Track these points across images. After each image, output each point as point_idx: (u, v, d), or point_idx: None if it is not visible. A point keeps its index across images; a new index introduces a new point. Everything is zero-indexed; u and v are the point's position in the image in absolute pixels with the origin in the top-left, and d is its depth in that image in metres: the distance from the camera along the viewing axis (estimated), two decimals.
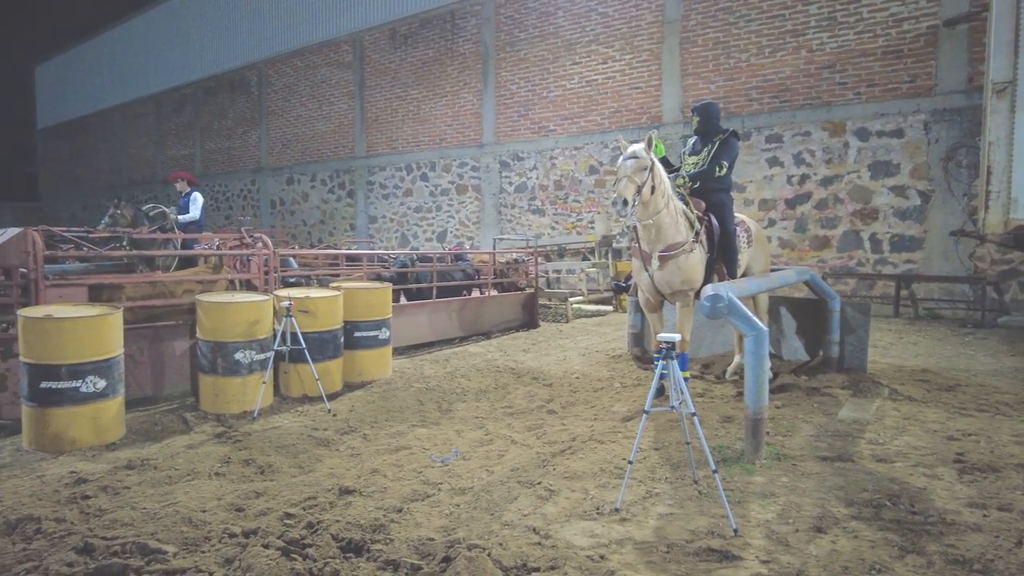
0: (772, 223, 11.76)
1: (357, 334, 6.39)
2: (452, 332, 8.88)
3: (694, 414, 3.37)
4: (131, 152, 27.34)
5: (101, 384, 4.57)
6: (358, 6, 18.03)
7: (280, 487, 3.81)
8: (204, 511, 3.47)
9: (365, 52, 18.01)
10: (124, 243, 7.11)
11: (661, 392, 5.38)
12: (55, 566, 2.79)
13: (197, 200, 9.58)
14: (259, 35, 21.02)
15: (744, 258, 6.25)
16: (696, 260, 5.55)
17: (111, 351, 4.66)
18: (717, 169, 5.83)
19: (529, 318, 10.14)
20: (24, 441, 4.55)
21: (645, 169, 5.00)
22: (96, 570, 2.80)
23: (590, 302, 12.02)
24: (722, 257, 5.95)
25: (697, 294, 5.65)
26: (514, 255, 11.83)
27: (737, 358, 6.51)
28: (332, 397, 5.78)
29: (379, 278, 8.18)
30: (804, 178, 11.52)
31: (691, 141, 6.16)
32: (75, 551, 2.94)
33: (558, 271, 13.75)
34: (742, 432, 4.41)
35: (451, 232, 16.41)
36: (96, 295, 5.64)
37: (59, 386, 4.45)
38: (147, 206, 9.99)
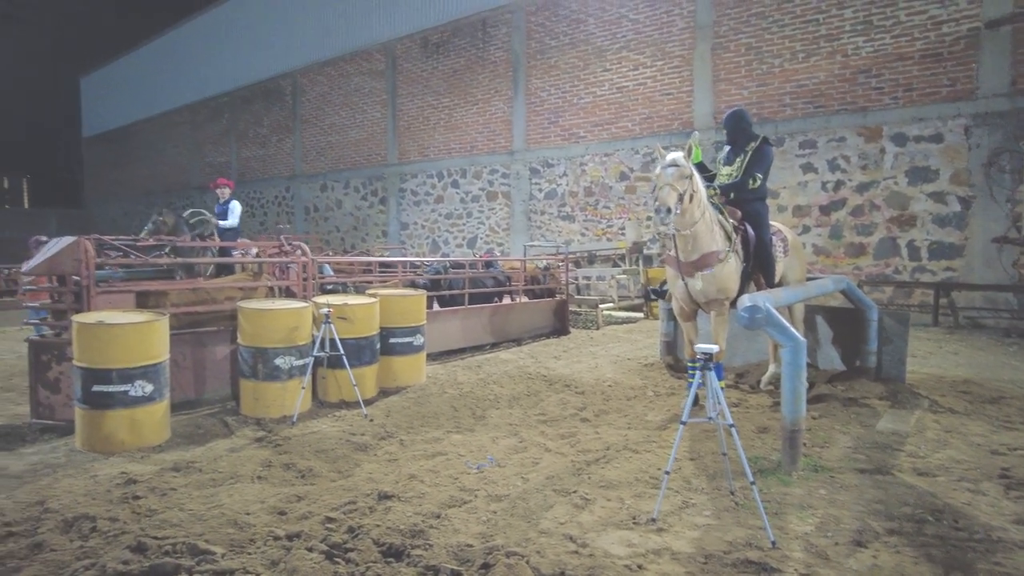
0: (806, 230, 11.60)
1: (392, 340, 6.49)
2: (484, 338, 8.95)
3: (732, 425, 3.37)
4: (169, 160, 28.08)
5: (149, 388, 4.73)
6: (390, 15, 18.30)
7: (320, 491, 3.89)
8: (248, 514, 3.57)
9: (397, 61, 18.26)
10: (167, 251, 7.33)
11: (696, 402, 5.37)
12: (112, 564, 2.90)
13: (235, 208, 9.83)
14: (293, 45, 21.45)
15: (780, 267, 6.19)
16: (732, 269, 5.52)
17: (158, 356, 4.82)
18: (751, 182, 5.79)
19: (560, 325, 10.16)
20: (77, 442, 4.73)
21: (686, 177, 5.00)
22: (150, 568, 2.91)
23: (621, 309, 11.99)
24: (758, 267, 5.91)
25: (732, 303, 5.62)
26: (544, 262, 11.86)
27: (772, 368, 6.45)
28: (368, 402, 5.88)
29: (413, 285, 8.28)
30: (839, 184, 11.35)
31: (724, 150, 6.14)
32: (129, 549, 3.06)
33: (588, 278, 13.74)
34: (778, 443, 4.38)
35: (481, 238, 16.51)
36: (142, 301, 5.83)
37: (110, 389, 4.61)
38: (187, 212, 10.26)
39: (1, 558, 3.03)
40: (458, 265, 9.67)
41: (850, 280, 6.79)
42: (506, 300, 10.19)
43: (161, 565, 2.93)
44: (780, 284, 6.17)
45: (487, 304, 9.27)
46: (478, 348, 8.87)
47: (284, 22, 21.81)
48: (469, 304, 8.85)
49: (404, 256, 16.43)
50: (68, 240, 5.32)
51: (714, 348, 3.43)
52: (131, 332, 4.66)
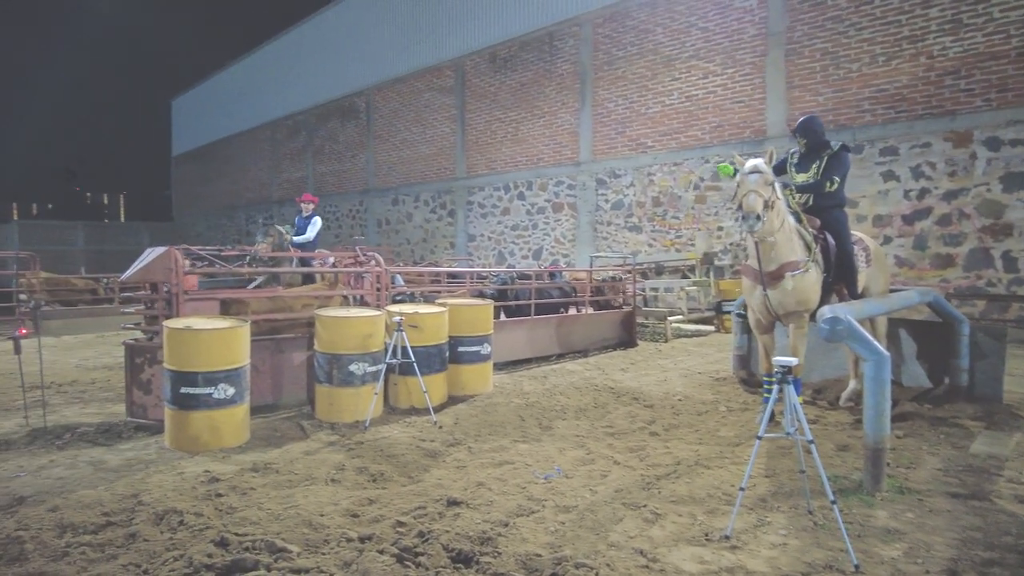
0: (888, 240, 11.06)
1: (460, 349, 6.58)
2: (549, 349, 8.94)
3: (811, 442, 3.24)
4: (250, 175, 29.51)
5: (231, 391, 4.96)
6: (460, 33, 18.70)
7: (391, 495, 3.97)
8: (322, 515, 3.68)
9: (466, 76, 18.61)
10: (249, 261, 7.70)
11: (772, 418, 5.19)
12: (197, 556, 3.05)
13: (316, 223, 10.25)
14: (367, 63, 22.22)
15: (862, 278, 5.94)
16: (812, 280, 5.33)
17: (240, 361, 5.05)
18: (828, 184, 5.61)
19: (627, 337, 10.03)
20: (166, 440, 5.00)
21: (769, 184, 4.90)
22: (232, 563, 3.04)
23: (690, 321, 11.73)
24: (840, 277, 5.69)
25: (812, 316, 5.42)
26: (611, 273, 11.76)
27: (852, 383, 6.17)
28: (437, 410, 5.97)
29: (481, 295, 8.38)
30: (923, 192, 10.77)
31: (795, 157, 5.96)
32: (213, 544, 3.20)
33: (656, 289, 13.52)
34: (860, 462, 4.17)
35: (547, 250, 16.54)
36: (225, 308, 6.14)
37: (196, 391, 4.86)
38: (268, 227, 10.78)
39: (101, 545, 3.24)
40: (524, 276, 9.72)
41: (937, 293, 6.43)
42: (572, 311, 10.16)
43: (242, 560, 3.06)
44: (862, 296, 5.91)
45: (553, 315, 9.27)
46: (544, 359, 8.86)
47: (359, 42, 22.64)
48: (535, 315, 8.86)
49: (471, 267, 16.64)
50: (160, 250, 5.67)
51: (793, 361, 3.31)
52: (215, 337, 4.91)
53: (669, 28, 13.91)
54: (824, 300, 5.55)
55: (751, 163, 4.98)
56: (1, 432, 5.40)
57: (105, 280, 15.50)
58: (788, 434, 3.39)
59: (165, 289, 5.58)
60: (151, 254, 5.69)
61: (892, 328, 6.50)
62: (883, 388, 3.83)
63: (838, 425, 5.43)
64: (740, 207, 4.87)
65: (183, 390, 4.86)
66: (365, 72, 22.27)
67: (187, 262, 5.69)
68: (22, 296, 12.34)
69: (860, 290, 5.89)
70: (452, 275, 11.35)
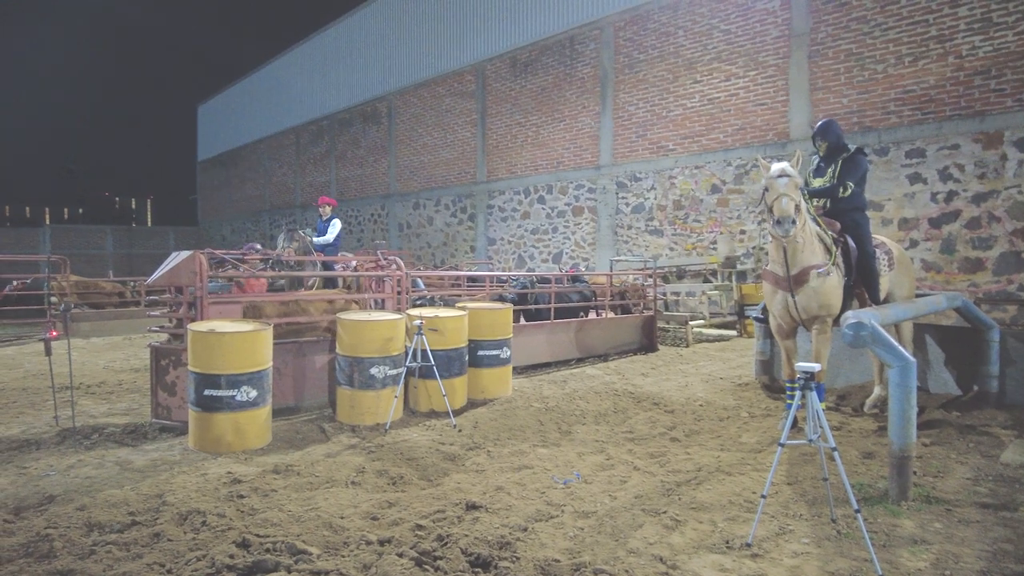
0: (914, 244, 10.85)
1: (480, 352, 6.59)
2: (569, 353, 8.92)
3: (835, 449, 3.19)
4: (274, 180, 29.89)
5: (253, 394, 5.02)
6: (481, 37, 18.77)
7: (411, 499, 3.99)
8: (343, 517, 3.71)
9: (487, 81, 18.67)
10: (272, 264, 7.80)
11: (795, 424, 5.13)
12: (220, 556, 3.09)
13: (336, 226, 10.35)
14: (389, 69, 22.41)
15: (885, 282, 5.84)
16: (833, 284, 5.26)
17: (263, 364, 5.11)
18: (842, 190, 5.57)
19: (647, 341, 9.97)
20: (190, 441, 5.08)
21: (799, 187, 4.88)
22: (253, 564, 3.08)
23: (712, 326, 11.62)
24: (861, 281, 5.62)
25: (835, 320, 5.35)
26: (631, 277, 11.70)
27: (877, 389, 6.07)
28: (457, 413, 5.98)
29: (501, 299, 8.39)
30: (951, 195, 10.56)
31: (814, 162, 5.91)
32: (235, 545, 3.24)
33: (677, 293, 13.42)
34: (885, 470, 4.10)
35: (567, 253, 16.51)
36: (247, 312, 6.21)
37: (219, 394, 4.93)
38: (290, 230, 10.89)
39: (127, 544, 3.30)
40: (544, 280, 9.71)
41: (966, 297, 6.29)
42: (592, 315, 10.12)
43: (263, 562, 3.09)
44: (886, 300, 5.82)
45: (573, 319, 9.24)
46: (563, 363, 8.84)
47: (381, 48, 22.84)
48: (555, 319, 8.84)
49: (491, 271, 16.67)
50: (185, 255, 5.76)
51: (815, 367, 3.26)
52: (238, 340, 4.97)
53: (691, 31, 13.83)
54: (846, 305, 5.48)
55: (778, 166, 4.94)
56: (32, 431, 5.53)
57: (132, 283, 15.81)
58: (811, 441, 3.34)
59: (190, 292, 5.67)
60: (176, 258, 5.79)
61: (918, 333, 6.38)
62: (909, 394, 3.76)
63: (863, 432, 5.34)
64: (771, 211, 4.83)
65: (207, 392, 4.93)
66: (387, 78, 22.47)
67: (247, 265, 5.78)
68: (53, 299, 12.62)
69: (883, 295, 5.80)
70: (472, 279, 11.37)
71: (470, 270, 15.91)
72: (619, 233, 15.30)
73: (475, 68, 18.98)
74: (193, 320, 5.48)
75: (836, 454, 3.20)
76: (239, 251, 8.84)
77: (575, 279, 10.77)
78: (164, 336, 6.03)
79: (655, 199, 14.55)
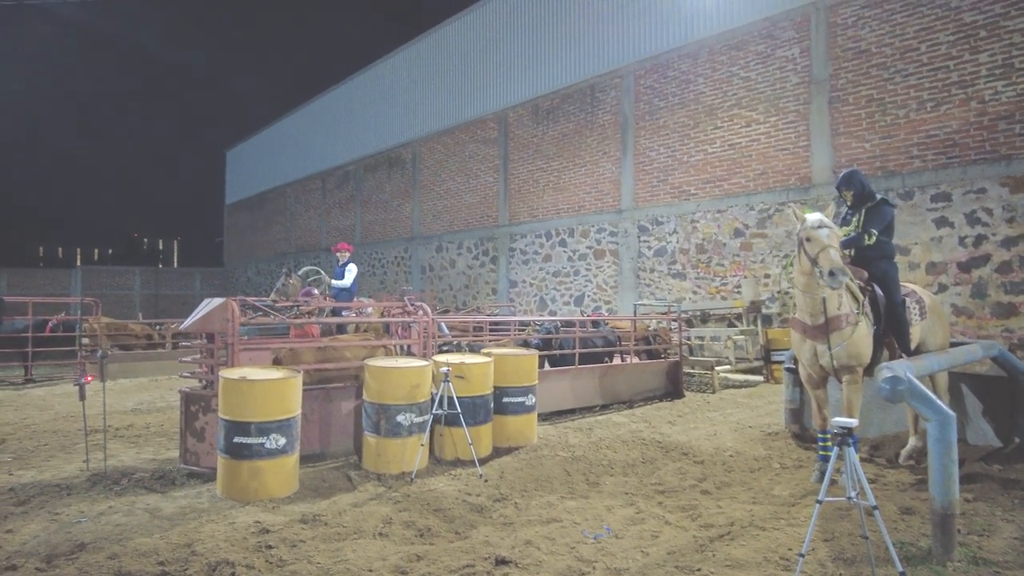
0: (943, 288, 10.70)
1: (505, 399, 6.57)
2: (593, 399, 8.84)
3: (875, 507, 3.11)
4: (300, 223, 30.47)
5: (282, 441, 5.04)
6: (503, 86, 19.22)
7: (439, 551, 3.94)
8: (371, 570, 3.68)
9: (509, 128, 19.05)
10: (277, 290, 7.88)
11: (823, 478, 5.02)
12: None
13: (352, 270, 10.49)
14: (413, 116, 22.97)
15: (916, 331, 5.76)
16: (863, 333, 5.21)
17: (291, 411, 5.14)
18: (866, 238, 5.55)
19: (673, 387, 9.85)
20: (218, 488, 5.09)
21: (837, 236, 4.91)
22: None
23: (738, 371, 11.47)
24: (891, 330, 5.55)
25: (866, 370, 5.27)
26: (655, 320, 11.64)
27: (912, 440, 5.92)
28: (482, 462, 5.93)
29: (525, 344, 8.38)
30: (980, 239, 10.44)
31: (842, 211, 5.91)
32: None
33: (702, 338, 13.30)
34: (926, 527, 3.98)
35: (588, 296, 16.51)
36: (275, 358, 6.28)
37: (248, 441, 4.95)
38: (304, 269, 11.03)
39: None
40: (568, 324, 9.70)
41: (1001, 345, 6.17)
42: (616, 360, 10.06)
43: None
44: (918, 350, 5.72)
45: (597, 364, 9.18)
46: (588, 409, 8.76)
47: (406, 96, 23.48)
48: (579, 364, 8.80)
49: (512, 313, 16.69)
50: (217, 302, 5.87)
51: (853, 422, 3.21)
52: (269, 388, 5.02)
53: (710, 78, 14.04)
54: (876, 354, 5.41)
55: (816, 217, 4.96)
56: (63, 475, 5.58)
57: (158, 326, 16.08)
58: (850, 498, 3.26)
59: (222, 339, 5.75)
60: (208, 305, 5.89)
61: (953, 383, 6.24)
62: (949, 450, 3.67)
63: (900, 485, 5.19)
64: (815, 262, 4.82)
65: (236, 439, 4.96)
66: (411, 125, 23.01)
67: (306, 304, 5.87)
68: (84, 340, 12.86)
69: (915, 344, 5.72)
70: (494, 323, 11.40)
71: (492, 312, 15.96)
72: (641, 276, 15.29)
73: (497, 116, 19.39)
74: (224, 367, 5.54)
75: (877, 513, 3.12)
76: (303, 294, 9.01)
77: (595, 323, 10.74)
78: (194, 382, 6.10)
79: (677, 243, 14.56)
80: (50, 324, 12.63)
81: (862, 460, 5.85)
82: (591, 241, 16.51)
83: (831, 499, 3.41)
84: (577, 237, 16.85)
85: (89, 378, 5.97)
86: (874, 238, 5.53)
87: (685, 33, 14.55)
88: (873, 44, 11.66)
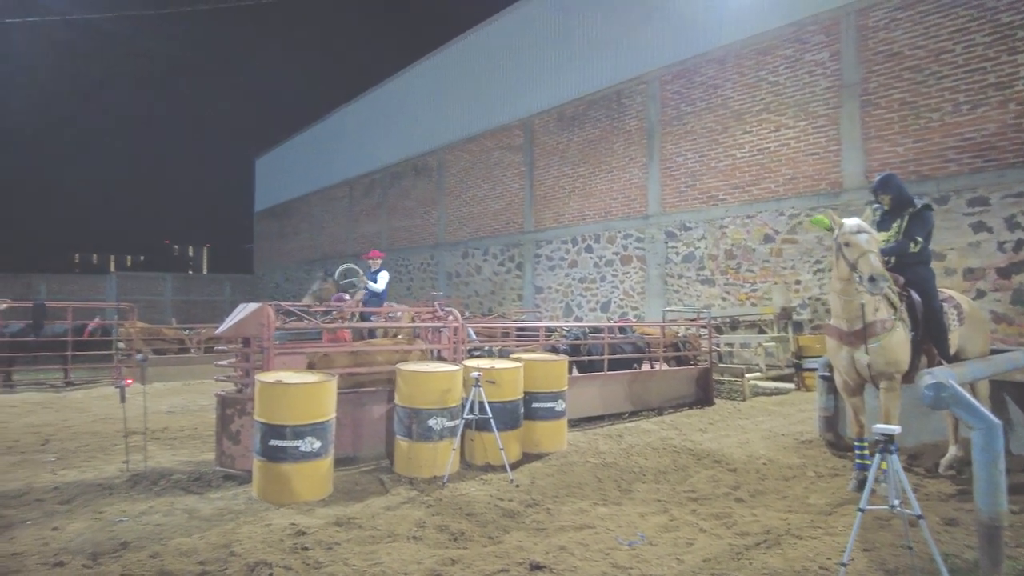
0: (981, 294, 10.45)
1: (535, 405, 6.57)
2: (622, 406, 8.79)
3: (920, 517, 3.05)
4: (327, 230, 30.85)
5: (317, 444, 5.10)
6: (529, 93, 19.29)
7: (473, 556, 3.95)
8: (406, 574, 3.70)
9: (535, 135, 19.10)
10: (332, 316, 8.02)
11: (861, 487, 4.93)
12: None
13: (384, 276, 10.62)
14: (439, 125, 23.16)
15: (955, 338, 5.65)
16: (900, 339, 5.12)
17: (326, 415, 5.20)
18: (911, 245, 5.45)
19: (703, 395, 9.75)
20: (254, 490, 5.16)
21: (877, 242, 4.84)
22: None
23: (769, 379, 11.32)
24: (929, 336, 5.44)
25: (904, 377, 5.17)
26: (684, 327, 11.55)
27: (952, 449, 5.79)
28: (513, 467, 5.92)
29: (553, 350, 8.38)
30: (1020, 244, 10.19)
31: (877, 214, 5.80)
32: None
33: (731, 345, 13.16)
34: (971, 539, 3.89)
35: (615, 302, 16.44)
36: (310, 362, 6.36)
37: (284, 444, 5.02)
38: (344, 266, 11.14)
39: None
40: (596, 330, 9.67)
41: None
42: (645, 367, 9.99)
43: None
44: (957, 357, 5.60)
45: (626, 371, 9.14)
46: (616, 416, 8.71)
47: (432, 104, 23.69)
48: (608, 370, 8.76)
49: (539, 319, 16.68)
50: (253, 307, 5.97)
51: (895, 429, 3.16)
52: (305, 391, 5.09)
53: (738, 83, 13.94)
54: (915, 361, 5.31)
55: (854, 222, 4.90)
56: (104, 475, 5.72)
57: (188, 331, 16.39)
58: (892, 507, 3.20)
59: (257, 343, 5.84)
60: (244, 310, 5.99)
61: (994, 390, 6.09)
62: (996, 459, 3.59)
63: (941, 495, 5.08)
64: (854, 267, 4.76)
65: (272, 442, 5.03)
66: (437, 133, 23.20)
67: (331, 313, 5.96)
68: (120, 345, 13.15)
69: (953, 351, 5.60)
70: (521, 328, 11.41)
71: (518, 318, 15.97)
72: (669, 282, 15.19)
73: (523, 123, 19.46)
74: (260, 370, 5.63)
75: (922, 522, 3.06)
76: (335, 299, 9.16)
77: (622, 329, 10.68)
78: (230, 385, 6.20)
79: (706, 248, 14.45)
80: (89, 327, 12.94)
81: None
82: (617, 247, 16.45)
83: (873, 508, 3.35)
84: (603, 243, 16.81)
85: (129, 381, 6.11)
86: (919, 246, 5.44)
87: (711, 39, 14.47)
88: (906, 47, 11.48)
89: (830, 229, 5.24)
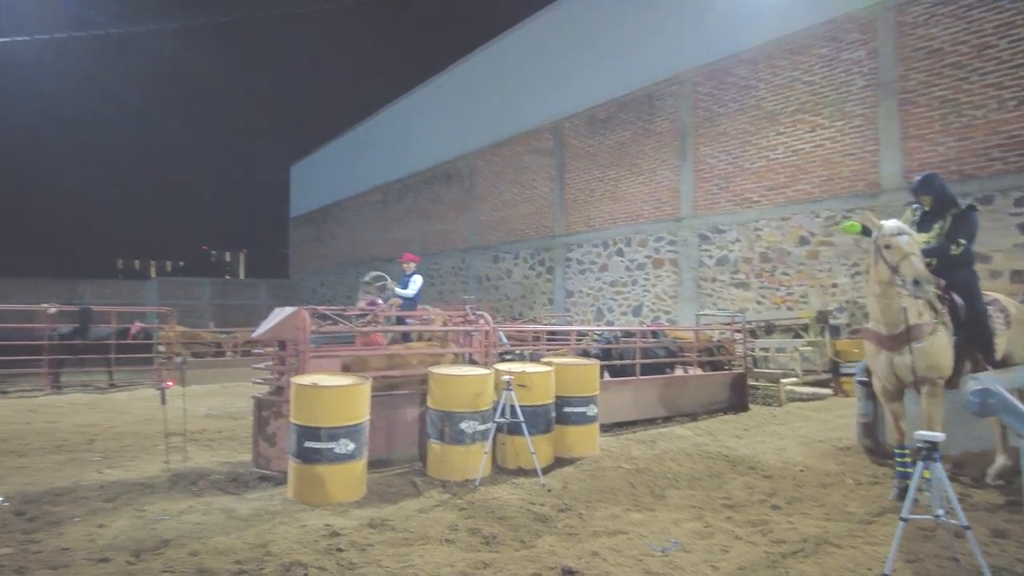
0: None
1: (567, 409, 6.54)
2: (655, 411, 8.70)
3: (967, 528, 2.95)
4: (361, 235, 31.26)
5: (351, 446, 5.16)
6: (559, 97, 19.29)
7: (505, 560, 3.95)
8: None
9: (565, 138, 19.08)
10: (367, 319, 8.13)
11: (903, 495, 4.80)
12: None
13: (417, 281, 10.70)
14: (470, 130, 23.30)
15: (1002, 342, 5.46)
16: (942, 343, 4.97)
17: (360, 417, 5.26)
18: (953, 247, 5.28)
19: (738, 400, 9.60)
20: (289, 492, 5.25)
21: (918, 243, 4.72)
22: None
23: (805, 384, 11.09)
24: (973, 340, 5.28)
25: (948, 382, 5.02)
26: (719, 331, 11.39)
27: (1000, 458, 5.59)
28: (544, 471, 5.91)
29: (584, 354, 8.35)
30: None
31: (917, 215, 5.64)
32: None
33: (767, 349, 12.93)
34: (1022, 552, 3.75)
35: (647, 306, 16.30)
36: (345, 365, 6.44)
37: (318, 446, 5.10)
38: (369, 276, 11.26)
39: None
40: (628, 334, 9.60)
41: None
42: (678, 371, 9.89)
43: None
44: (1004, 362, 5.42)
45: (659, 376, 9.05)
46: (649, 421, 8.63)
47: (463, 110, 23.85)
48: (640, 375, 8.69)
49: (569, 323, 16.63)
50: (289, 311, 6.07)
51: (938, 436, 3.07)
52: (339, 394, 5.16)
53: (771, 83, 13.73)
54: (958, 366, 5.15)
55: (894, 224, 4.78)
56: (146, 475, 5.87)
57: (227, 335, 16.76)
58: (936, 517, 3.11)
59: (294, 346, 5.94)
60: (280, 313, 6.10)
61: None
62: None
63: (989, 506, 4.91)
64: (896, 270, 4.64)
65: (307, 444, 5.11)
66: (468, 138, 23.34)
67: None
68: (160, 348, 13.51)
69: (1000, 355, 5.42)
70: (551, 333, 11.39)
71: (548, 323, 15.94)
72: (702, 286, 15.00)
73: (553, 126, 19.45)
74: (296, 373, 5.72)
75: (969, 533, 2.97)
76: (368, 303, 9.32)
77: (655, 334, 10.59)
78: (266, 388, 6.32)
79: (740, 251, 14.24)
80: (132, 331, 13.34)
81: None
82: (649, 250, 16.32)
83: (915, 517, 3.26)
84: (635, 246, 16.69)
85: (170, 383, 6.27)
86: (962, 247, 5.28)
87: (743, 39, 14.28)
88: (947, 43, 11.17)
89: (867, 232, 5.12)
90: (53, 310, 12.79)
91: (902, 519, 3.13)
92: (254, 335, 6.34)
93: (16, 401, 10.98)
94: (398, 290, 10.61)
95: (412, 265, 11.01)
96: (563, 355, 8.22)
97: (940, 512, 3.10)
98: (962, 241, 5.29)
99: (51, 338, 12.38)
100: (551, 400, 6.34)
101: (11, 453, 6.90)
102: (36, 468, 6.23)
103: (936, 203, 5.50)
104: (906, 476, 5.01)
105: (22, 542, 4.19)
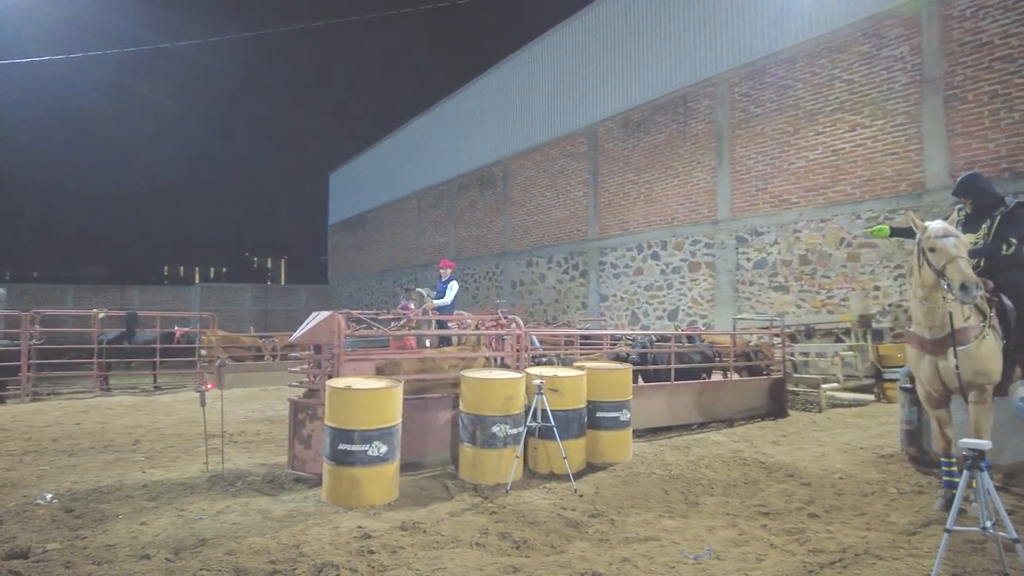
0: None
1: (599, 414, 6.49)
2: (690, 417, 8.57)
3: (1017, 541, 2.83)
4: (397, 241, 31.63)
5: (384, 449, 5.21)
6: (593, 101, 19.23)
7: (535, 564, 3.94)
8: None
9: (599, 142, 19.01)
10: (402, 323, 8.25)
11: (948, 506, 4.62)
12: None
13: (453, 287, 10.81)
14: (504, 136, 23.40)
15: None
16: (991, 348, 4.78)
17: (393, 420, 5.31)
18: (1004, 247, 5.07)
19: (776, 406, 9.39)
20: (323, 494, 5.32)
21: (964, 246, 4.54)
22: None
23: (846, 389, 10.79)
24: (1023, 345, 5.06)
25: (996, 389, 4.83)
26: (756, 336, 11.18)
27: None
28: (576, 476, 5.87)
29: (618, 358, 8.28)
30: None
31: (961, 216, 5.43)
32: None
33: (806, 354, 12.63)
34: None
35: (683, 310, 16.09)
36: (379, 368, 6.51)
37: (352, 448, 5.16)
38: (418, 290, 11.48)
39: None
40: (663, 339, 9.49)
41: None
42: (715, 377, 9.72)
43: None
44: None
45: (694, 381, 8.91)
46: (684, 427, 8.51)
47: (496, 116, 23.98)
48: (675, 380, 8.57)
49: (604, 328, 16.52)
50: (324, 315, 6.17)
51: (986, 444, 2.95)
52: (373, 397, 5.22)
53: (810, 83, 13.45)
54: (1008, 372, 4.94)
55: (939, 226, 4.59)
56: (187, 475, 6.03)
57: (266, 339, 17.13)
58: (984, 529, 2.99)
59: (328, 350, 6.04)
60: (316, 318, 6.21)
61: None
62: None
63: None
64: (941, 274, 4.46)
65: (341, 446, 5.17)
66: (502, 144, 23.44)
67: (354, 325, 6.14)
68: (203, 352, 13.88)
69: None
70: (585, 337, 11.33)
71: (582, 327, 15.86)
72: (740, 290, 14.74)
73: (587, 130, 19.40)
74: (331, 376, 5.81)
75: (1019, 547, 2.84)
76: (400, 308, 9.51)
77: (691, 338, 10.44)
78: (302, 391, 6.43)
79: (779, 254, 13.96)
80: (177, 335, 13.76)
81: (996, 489, 5.34)
82: (685, 254, 16.11)
83: (961, 528, 3.13)
84: (670, 250, 16.50)
85: (210, 386, 6.43)
86: (1013, 247, 5.06)
87: (781, 38, 14.03)
88: (996, 36, 10.79)
89: (909, 234, 4.95)
90: (101, 315, 13.26)
91: (947, 531, 3.01)
92: (291, 339, 6.46)
93: (69, 402, 11.41)
94: (436, 302, 10.77)
95: (448, 271, 11.13)
96: (596, 359, 8.16)
97: (988, 524, 2.98)
98: (1013, 241, 5.09)
99: (100, 342, 12.83)
100: (583, 404, 6.30)
101: (63, 452, 7.17)
102: (85, 467, 6.46)
103: (978, 204, 5.30)
104: (952, 486, 4.83)
105: (69, 538, 4.35)
